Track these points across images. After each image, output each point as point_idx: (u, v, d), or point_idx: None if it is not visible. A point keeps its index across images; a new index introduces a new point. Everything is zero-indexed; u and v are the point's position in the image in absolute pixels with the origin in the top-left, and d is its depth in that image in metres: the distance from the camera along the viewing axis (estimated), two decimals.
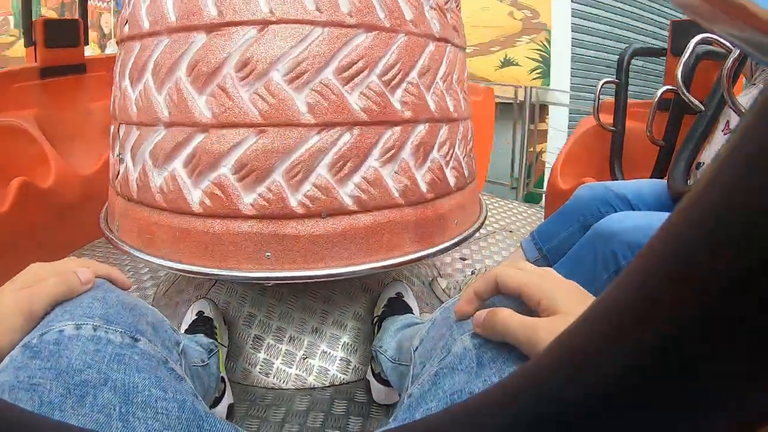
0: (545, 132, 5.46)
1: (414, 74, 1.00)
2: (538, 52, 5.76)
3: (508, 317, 0.41)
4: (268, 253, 0.93)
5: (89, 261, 0.54)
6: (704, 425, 0.14)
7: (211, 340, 0.97)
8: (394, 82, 0.97)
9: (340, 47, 0.91)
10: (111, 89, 1.15)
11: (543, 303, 0.41)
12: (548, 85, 5.69)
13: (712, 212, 0.13)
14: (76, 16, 2.10)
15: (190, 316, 1.11)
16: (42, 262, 0.51)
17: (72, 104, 2.00)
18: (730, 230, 0.13)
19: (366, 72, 0.93)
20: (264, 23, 0.89)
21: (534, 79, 5.73)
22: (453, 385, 0.41)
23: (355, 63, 0.92)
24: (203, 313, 1.11)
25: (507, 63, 5.85)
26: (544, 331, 0.38)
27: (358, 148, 0.94)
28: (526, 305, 0.44)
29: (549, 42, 5.73)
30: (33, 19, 1.95)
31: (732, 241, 0.12)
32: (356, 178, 0.94)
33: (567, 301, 0.40)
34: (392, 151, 0.97)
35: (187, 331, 1.05)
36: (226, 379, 1.05)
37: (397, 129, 0.98)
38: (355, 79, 0.92)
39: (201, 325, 1.07)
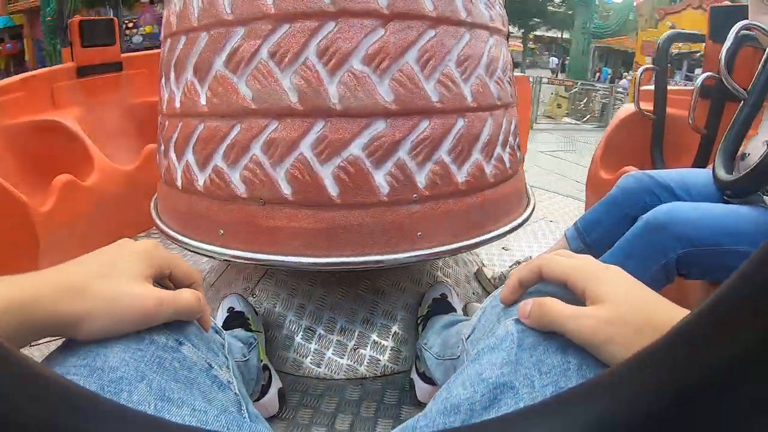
0: None
1: (482, 67, 1.02)
2: None
3: (554, 307, 0.40)
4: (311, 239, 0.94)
5: (198, 275, 0.50)
6: None
7: (250, 333, 0.98)
8: (466, 74, 0.98)
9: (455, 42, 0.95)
10: (148, 85, 1.16)
11: (588, 290, 0.41)
12: None
13: None
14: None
15: (221, 314, 1.12)
16: (156, 243, 0.47)
17: (110, 102, 2.03)
18: None
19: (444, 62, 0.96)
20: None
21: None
22: (491, 362, 0.41)
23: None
24: (234, 308, 1.12)
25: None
26: (591, 318, 0.38)
27: (433, 137, 0.95)
28: (571, 293, 0.43)
29: None
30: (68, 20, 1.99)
31: None
32: (429, 165, 0.96)
33: (612, 288, 0.40)
34: (462, 142, 0.98)
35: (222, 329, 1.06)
36: (270, 366, 1.06)
37: (467, 117, 0.99)
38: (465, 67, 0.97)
39: (234, 320, 1.08)
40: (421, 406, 1.08)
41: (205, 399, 0.43)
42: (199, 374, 0.44)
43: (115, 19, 2.12)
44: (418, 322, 1.15)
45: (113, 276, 0.41)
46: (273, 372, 1.06)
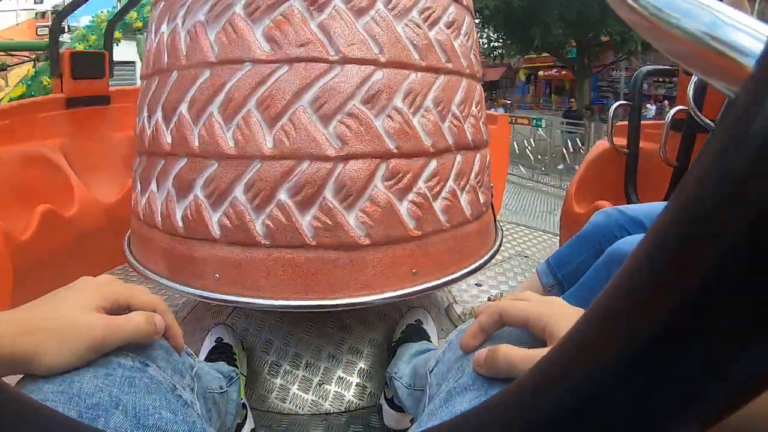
0: None
1: (454, 106, 1.06)
2: None
3: (509, 352, 0.40)
4: (284, 282, 0.95)
5: (159, 301, 0.51)
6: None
7: (232, 368, 0.98)
8: (443, 115, 1.03)
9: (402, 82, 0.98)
10: (134, 120, 1.19)
11: (548, 330, 0.41)
12: None
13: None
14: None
15: (209, 343, 1.12)
16: (114, 278, 0.49)
17: (96, 134, 2.06)
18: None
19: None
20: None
21: None
22: (463, 403, 0.42)
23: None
24: (222, 339, 1.12)
25: None
26: None
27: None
28: (532, 335, 0.44)
29: None
30: (60, 51, 2.03)
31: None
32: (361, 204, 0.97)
33: (570, 326, 0.40)
34: (407, 181, 1.00)
35: (207, 359, 1.06)
36: (248, 406, 1.06)
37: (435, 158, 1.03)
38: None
39: (221, 351, 1.08)
40: None
41: (175, 415, 0.44)
42: (165, 393, 0.46)
43: (106, 52, 2.17)
44: (390, 347, 1.15)
45: (62, 312, 0.43)
46: (250, 412, 1.06)
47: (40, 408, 0.24)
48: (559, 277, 1.42)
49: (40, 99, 1.99)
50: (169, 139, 1.01)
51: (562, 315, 0.42)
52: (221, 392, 0.83)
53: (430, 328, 1.17)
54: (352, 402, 1.14)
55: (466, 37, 1.12)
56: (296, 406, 1.13)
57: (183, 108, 0.98)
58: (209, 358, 1.06)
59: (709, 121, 1.51)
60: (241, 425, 1.00)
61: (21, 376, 0.43)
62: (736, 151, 0.13)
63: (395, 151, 0.96)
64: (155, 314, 0.49)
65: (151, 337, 0.48)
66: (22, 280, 1.48)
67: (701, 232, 0.14)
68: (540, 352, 0.39)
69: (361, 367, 1.18)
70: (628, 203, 1.78)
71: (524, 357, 0.39)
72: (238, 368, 1.03)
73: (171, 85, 1.01)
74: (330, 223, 0.93)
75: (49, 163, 1.80)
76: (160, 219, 1.05)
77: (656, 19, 0.32)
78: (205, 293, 0.99)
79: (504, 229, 1.33)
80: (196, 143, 0.96)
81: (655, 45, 0.34)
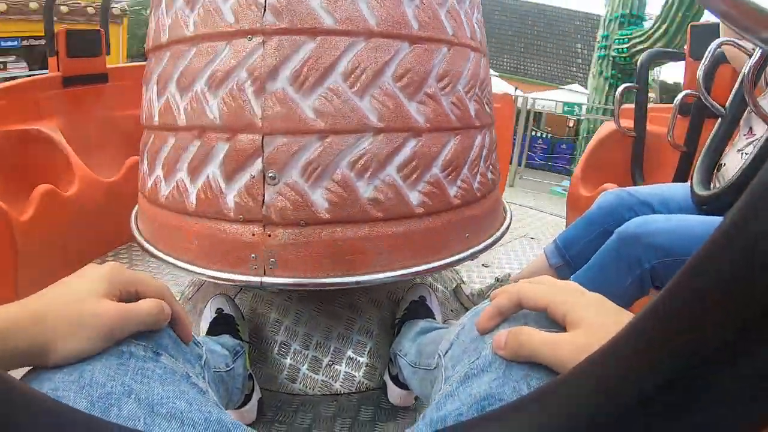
0: None
1: (460, 84, 1.02)
2: None
3: (530, 336, 0.40)
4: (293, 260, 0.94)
5: (166, 289, 0.51)
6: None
7: (237, 341, 0.98)
8: (446, 91, 0.99)
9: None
10: (133, 98, 1.17)
11: (568, 317, 0.41)
12: None
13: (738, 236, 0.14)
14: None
15: (209, 314, 1.11)
16: (122, 266, 0.48)
17: (95, 113, 2.03)
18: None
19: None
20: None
21: None
22: (480, 385, 0.41)
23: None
24: (222, 310, 1.11)
25: None
26: (568, 345, 0.38)
27: (418, 154, 0.96)
28: (548, 319, 0.43)
29: None
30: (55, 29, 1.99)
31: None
32: (376, 181, 0.95)
33: (590, 313, 0.40)
34: (416, 160, 0.98)
35: (209, 332, 1.06)
36: (254, 376, 1.05)
37: (421, 137, 0.99)
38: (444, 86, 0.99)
39: (223, 323, 1.07)
40: (395, 419, 1.08)
41: (190, 405, 0.44)
42: (180, 381, 0.46)
43: (102, 30, 2.12)
44: (394, 324, 1.15)
45: (74, 299, 0.42)
46: (256, 382, 1.06)
47: (53, 405, 0.23)
48: (567, 258, 1.42)
49: (37, 78, 1.95)
50: (184, 116, 0.98)
51: (581, 302, 0.42)
52: (228, 370, 0.83)
53: (434, 305, 1.16)
54: (363, 382, 1.14)
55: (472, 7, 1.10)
56: (306, 387, 1.13)
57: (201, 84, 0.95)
58: (212, 332, 1.05)
59: (718, 106, 1.50)
60: (248, 396, 1.00)
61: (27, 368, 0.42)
62: None
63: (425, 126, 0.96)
64: (164, 304, 0.49)
65: (162, 324, 0.48)
66: (24, 260, 1.46)
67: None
68: (561, 337, 0.39)
69: (371, 348, 1.17)
70: (634, 185, 1.78)
71: (546, 341, 0.39)
72: (241, 339, 1.02)
73: (189, 58, 0.98)
74: (346, 197, 0.92)
75: (48, 143, 1.77)
76: (175, 197, 1.02)
77: None
78: (220, 274, 0.97)
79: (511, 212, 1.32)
80: (217, 116, 0.94)
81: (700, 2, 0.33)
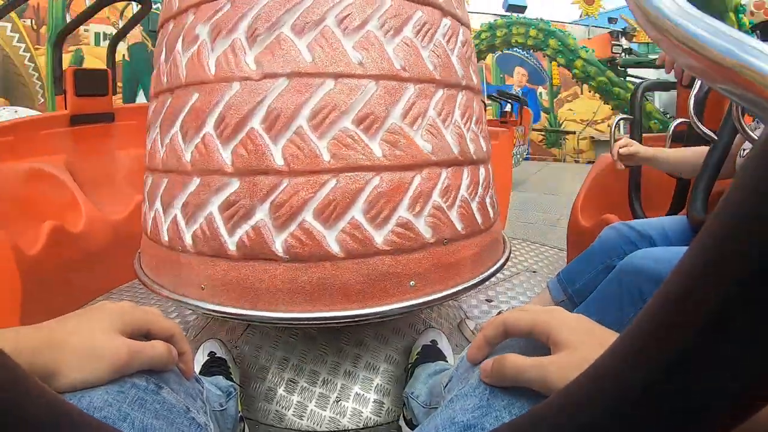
0: None
1: (456, 117, 1.07)
2: None
3: (515, 361, 0.41)
4: (299, 295, 0.96)
5: (176, 327, 0.53)
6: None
7: (230, 383, 0.99)
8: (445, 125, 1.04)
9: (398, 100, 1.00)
10: (138, 137, 1.20)
11: (552, 337, 0.42)
12: None
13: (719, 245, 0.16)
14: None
15: (201, 357, 1.12)
16: (134, 305, 0.50)
17: (101, 151, 2.07)
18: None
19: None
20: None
21: None
22: (464, 409, 0.42)
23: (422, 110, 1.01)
24: (215, 353, 1.12)
25: None
26: (554, 366, 0.38)
27: (393, 190, 0.98)
28: (534, 345, 0.44)
29: None
30: (63, 69, 2.04)
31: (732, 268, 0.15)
32: (392, 221, 0.98)
33: (575, 334, 0.41)
34: (425, 193, 1.01)
35: (202, 373, 1.07)
36: (244, 418, 1.06)
37: (426, 171, 1.02)
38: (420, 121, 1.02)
39: (216, 365, 1.08)
40: None
41: None
42: (177, 416, 0.47)
43: (109, 70, 2.17)
44: (407, 368, 1.16)
45: (89, 332, 0.44)
46: (246, 426, 1.06)
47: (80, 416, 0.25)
48: (569, 293, 1.43)
49: (45, 116, 1.99)
50: (188, 158, 1.02)
51: (565, 322, 0.43)
52: (221, 410, 0.84)
53: (445, 347, 1.17)
54: (370, 418, 1.14)
55: (464, 48, 1.14)
56: (314, 423, 1.13)
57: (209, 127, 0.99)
58: (204, 372, 1.06)
59: (710, 132, 1.54)
60: None
61: None
62: None
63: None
64: (173, 348, 0.50)
65: (169, 366, 0.50)
66: (30, 296, 1.47)
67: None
68: (546, 359, 0.40)
69: (378, 383, 1.18)
70: (633, 216, 1.80)
71: (531, 365, 0.40)
72: (234, 381, 1.03)
73: (192, 103, 1.02)
74: (359, 237, 0.95)
75: (54, 180, 1.80)
76: (180, 238, 1.05)
77: (678, 39, 0.34)
78: (224, 309, 0.99)
79: (511, 244, 1.34)
80: (229, 162, 0.97)
81: (677, 61, 0.36)
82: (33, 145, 1.82)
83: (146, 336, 0.49)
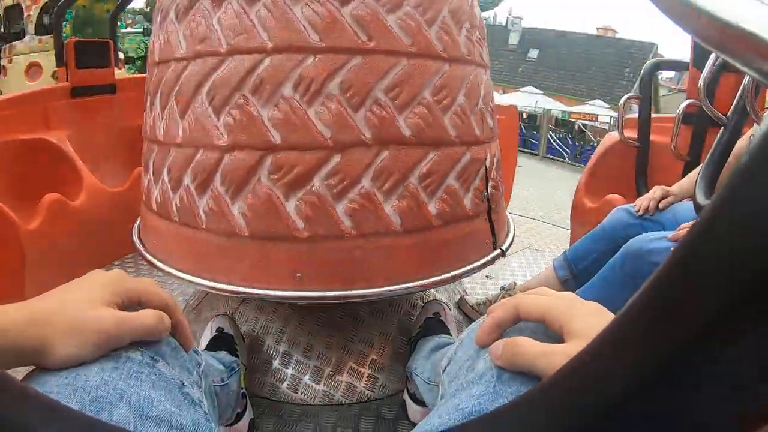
0: None
1: (461, 98, 1.03)
2: None
3: (526, 346, 0.40)
4: (299, 274, 0.95)
5: (170, 298, 0.51)
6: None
7: (234, 359, 0.99)
8: (443, 105, 1.00)
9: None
10: (140, 109, 1.18)
11: (566, 326, 0.41)
12: None
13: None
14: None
15: (209, 333, 1.12)
16: (125, 274, 0.49)
17: (102, 123, 2.05)
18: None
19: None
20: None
21: None
22: (470, 399, 0.41)
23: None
24: (223, 329, 1.12)
25: None
26: (564, 356, 0.37)
27: (402, 166, 0.96)
28: (549, 330, 0.43)
29: None
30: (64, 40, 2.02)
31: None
32: (396, 194, 0.96)
33: (588, 323, 0.39)
34: (436, 173, 0.99)
35: (208, 347, 1.07)
36: (248, 395, 1.06)
37: (446, 150, 1.01)
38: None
39: (222, 341, 1.08)
40: (395, 430, 1.08)
41: (180, 413, 0.44)
42: (173, 389, 0.46)
43: (110, 41, 2.15)
44: (410, 342, 1.15)
45: (75, 304, 0.43)
46: (249, 403, 1.06)
47: (49, 403, 0.24)
48: (575, 271, 1.42)
49: (46, 88, 1.98)
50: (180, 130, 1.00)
51: (579, 312, 0.41)
52: (222, 384, 0.83)
53: (449, 320, 1.17)
54: (364, 393, 1.14)
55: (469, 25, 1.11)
56: (307, 397, 1.13)
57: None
58: (210, 347, 1.06)
59: (720, 114, 1.50)
60: (240, 414, 1.01)
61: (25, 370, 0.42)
62: None
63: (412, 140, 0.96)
64: (165, 315, 0.49)
65: (161, 335, 0.48)
66: (31, 269, 1.48)
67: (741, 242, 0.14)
68: (558, 348, 0.38)
69: (372, 359, 1.18)
70: (638, 197, 1.77)
71: (543, 352, 0.39)
72: (239, 358, 1.03)
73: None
74: (369, 209, 0.94)
75: (56, 152, 1.80)
76: (176, 210, 1.04)
77: (688, 5, 0.32)
78: (231, 287, 0.98)
79: (513, 221, 1.32)
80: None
81: (685, 30, 0.34)
82: (35, 118, 1.81)
83: (139, 306, 0.48)
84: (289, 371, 1.16)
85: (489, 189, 1.12)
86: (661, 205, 1.35)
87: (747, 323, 0.14)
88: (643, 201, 1.38)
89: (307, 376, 1.15)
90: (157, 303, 0.49)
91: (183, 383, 0.48)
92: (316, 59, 0.91)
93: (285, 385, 1.15)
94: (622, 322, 0.18)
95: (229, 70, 0.93)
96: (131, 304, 0.48)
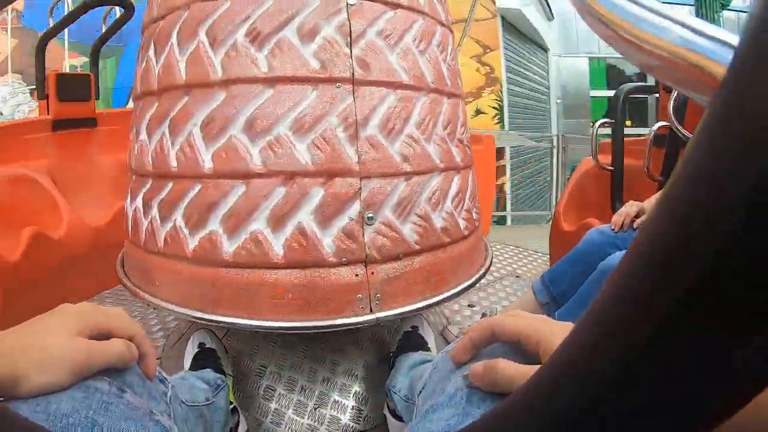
0: (503, 167, 7.15)
1: (439, 127, 1.08)
2: (496, 101, 7.33)
3: (507, 368, 0.41)
4: (288, 302, 0.96)
5: (138, 328, 0.52)
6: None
7: (218, 375, 0.98)
8: (426, 135, 1.06)
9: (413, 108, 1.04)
10: (121, 143, 1.19)
11: (542, 346, 0.42)
12: (503, 128, 7.25)
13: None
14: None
15: (191, 349, 1.11)
16: (95, 305, 0.50)
17: (83, 157, 2.05)
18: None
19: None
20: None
21: (495, 123, 7.29)
22: (440, 420, 0.42)
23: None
24: (204, 344, 1.11)
25: (478, 112, 7.31)
26: None
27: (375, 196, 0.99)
28: (524, 351, 0.44)
29: (502, 92, 7.36)
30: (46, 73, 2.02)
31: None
32: (377, 225, 0.99)
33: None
34: (410, 200, 1.02)
35: (192, 366, 1.06)
36: (239, 408, 1.06)
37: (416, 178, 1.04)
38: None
39: (204, 358, 1.07)
40: None
41: None
42: (142, 418, 0.47)
43: (92, 74, 2.16)
44: (389, 357, 1.16)
45: (45, 335, 0.44)
46: (241, 415, 1.06)
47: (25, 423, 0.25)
48: (554, 294, 1.44)
49: (26, 120, 1.98)
50: (175, 162, 1.01)
51: (555, 331, 0.42)
52: (208, 404, 0.83)
53: (427, 333, 1.18)
54: (349, 425, 1.14)
55: (445, 54, 1.15)
56: (292, 431, 1.13)
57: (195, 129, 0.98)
58: (194, 366, 1.05)
59: (690, 135, 1.55)
60: (234, 429, 1.00)
61: None
62: (720, 151, 0.14)
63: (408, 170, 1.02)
64: (131, 345, 0.50)
65: (128, 364, 0.50)
66: (10, 302, 1.46)
67: (695, 229, 0.14)
68: (536, 368, 0.39)
69: (356, 390, 1.18)
70: None
71: (522, 373, 0.40)
72: (225, 372, 1.03)
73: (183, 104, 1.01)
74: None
75: (35, 185, 1.79)
76: (163, 243, 1.04)
77: (629, 34, 0.34)
78: (214, 317, 0.98)
79: (494, 249, 1.35)
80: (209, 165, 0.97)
81: (629, 60, 0.36)
82: (15, 150, 1.81)
83: (107, 337, 0.49)
84: (273, 405, 1.15)
85: (474, 213, 1.17)
86: (635, 224, 1.38)
87: (695, 322, 0.14)
88: (618, 218, 1.40)
89: (290, 410, 1.14)
90: (124, 332, 0.50)
91: (152, 411, 0.49)
92: (316, 90, 0.96)
93: (268, 419, 1.14)
94: (575, 333, 0.19)
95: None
96: (100, 334, 0.48)
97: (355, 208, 0.96)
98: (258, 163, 0.95)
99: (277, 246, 0.95)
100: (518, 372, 0.40)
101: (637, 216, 1.40)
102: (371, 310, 0.99)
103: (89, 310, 0.48)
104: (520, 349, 0.45)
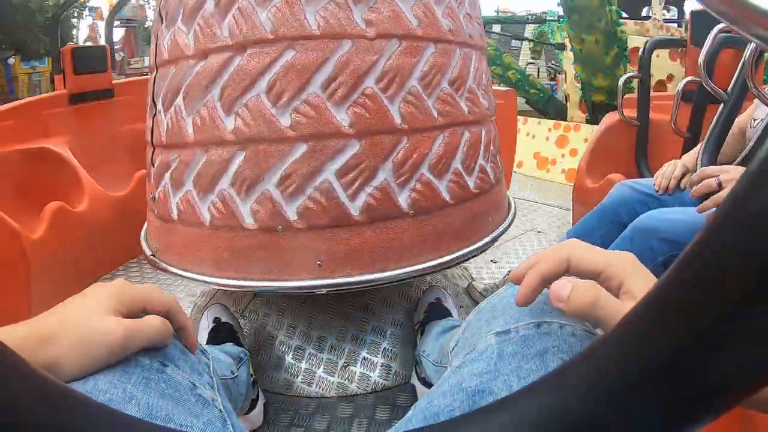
0: None
1: (470, 81, 1.07)
2: None
3: (606, 299, 0.38)
4: (319, 262, 0.95)
5: (173, 302, 0.51)
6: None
7: (240, 349, 1.00)
8: (460, 90, 1.05)
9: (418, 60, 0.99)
10: (138, 112, 1.18)
11: (625, 286, 0.39)
12: None
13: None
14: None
15: (206, 323, 1.12)
16: (127, 282, 0.49)
17: (101, 128, 2.05)
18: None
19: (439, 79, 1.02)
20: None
21: None
22: (472, 378, 0.42)
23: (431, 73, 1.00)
24: (220, 319, 1.12)
25: None
26: None
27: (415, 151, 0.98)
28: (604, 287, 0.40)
29: None
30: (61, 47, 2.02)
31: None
32: (412, 183, 0.98)
33: (648, 284, 0.37)
34: (446, 155, 1.02)
35: (209, 340, 1.07)
36: (257, 381, 1.07)
37: (448, 132, 1.03)
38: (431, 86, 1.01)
39: (223, 332, 1.09)
40: None
41: (191, 415, 0.45)
42: (184, 393, 0.47)
43: (107, 46, 2.15)
44: (416, 328, 1.16)
45: (81, 319, 0.43)
46: (259, 387, 1.08)
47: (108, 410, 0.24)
48: None
49: (44, 96, 1.98)
50: (191, 129, 1.00)
51: (640, 272, 0.39)
52: (233, 377, 0.84)
53: (450, 304, 1.18)
54: (378, 382, 1.15)
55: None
56: (323, 389, 1.14)
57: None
58: (213, 341, 1.06)
59: (720, 91, 1.50)
60: (255, 401, 1.02)
61: None
62: None
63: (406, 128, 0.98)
64: (167, 322, 0.49)
65: (167, 340, 0.49)
66: (37, 278, 1.48)
67: None
68: (627, 306, 0.36)
69: (385, 347, 1.18)
70: (639, 176, 1.77)
71: (614, 308, 0.37)
72: (243, 346, 1.04)
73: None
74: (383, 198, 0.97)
75: (57, 160, 1.80)
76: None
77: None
78: (241, 282, 0.98)
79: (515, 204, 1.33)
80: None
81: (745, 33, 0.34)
82: (34, 126, 1.81)
83: (144, 313, 0.48)
84: (303, 365, 1.16)
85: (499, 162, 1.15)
86: (682, 184, 1.31)
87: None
88: (664, 180, 1.31)
89: (320, 369, 1.16)
90: (160, 308, 0.49)
91: (195, 384, 0.49)
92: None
93: (299, 379, 1.15)
94: (660, 290, 0.19)
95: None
96: (136, 311, 0.48)
97: (387, 167, 0.95)
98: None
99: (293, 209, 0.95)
100: (616, 308, 0.37)
101: (682, 176, 1.33)
102: (398, 266, 0.98)
103: (122, 288, 0.48)
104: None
